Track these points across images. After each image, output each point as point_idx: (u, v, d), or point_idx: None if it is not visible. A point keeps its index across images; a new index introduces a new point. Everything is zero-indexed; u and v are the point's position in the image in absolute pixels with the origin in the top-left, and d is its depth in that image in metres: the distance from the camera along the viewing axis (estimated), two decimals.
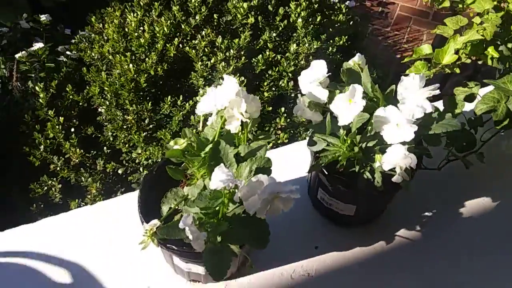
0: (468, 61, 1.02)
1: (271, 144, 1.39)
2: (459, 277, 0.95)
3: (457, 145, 1.02)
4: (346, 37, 1.62)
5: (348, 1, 2.59)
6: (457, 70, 1.03)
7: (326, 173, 0.87)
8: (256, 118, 0.79)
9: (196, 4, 1.50)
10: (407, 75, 0.81)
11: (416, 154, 0.79)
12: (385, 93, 0.81)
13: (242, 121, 0.75)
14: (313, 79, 0.83)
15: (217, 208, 0.71)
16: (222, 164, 0.65)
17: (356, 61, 0.89)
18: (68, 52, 1.88)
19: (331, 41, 1.59)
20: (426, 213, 1.04)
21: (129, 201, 1.01)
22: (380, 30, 3.07)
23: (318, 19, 1.59)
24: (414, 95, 0.75)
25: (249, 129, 0.78)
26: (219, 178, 0.63)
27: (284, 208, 0.66)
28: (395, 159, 0.76)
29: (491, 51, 0.99)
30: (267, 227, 0.72)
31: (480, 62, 1.03)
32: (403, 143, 0.76)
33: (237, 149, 0.75)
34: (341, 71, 0.89)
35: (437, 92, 0.76)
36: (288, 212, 0.97)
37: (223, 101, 0.72)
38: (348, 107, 0.78)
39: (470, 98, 1.02)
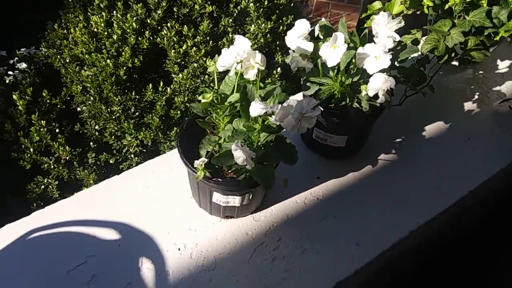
0: (409, 12, 1.26)
1: None
2: (430, 181, 1.18)
3: (412, 81, 1.26)
4: (292, 16, 1.83)
5: None
6: (402, 21, 1.27)
7: (322, 109, 1.06)
8: (264, 69, 0.97)
9: (156, 1, 1.63)
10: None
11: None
12: (361, 37, 1.02)
13: (258, 70, 0.92)
14: (299, 34, 1.02)
15: (251, 140, 0.87)
16: (257, 99, 0.82)
17: (323, 21, 1.09)
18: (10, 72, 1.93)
19: (280, 21, 1.80)
20: (398, 140, 1.27)
21: (153, 165, 1.14)
22: (304, 18, 3.34)
23: (265, 3, 1.78)
24: (384, 28, 0.96)
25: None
26: (259, 107, 0.80)
27: (309, 125, 0.84)
28: (378, 84, 0.96)
29: (426, 1, 1.24)
30: (293, 147, 0.89)
31: (418, 13, 1.28)
32: (382, 71, 0.96)
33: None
34: (318, 28, 1.08)
35: (402, 24, 0.98)
36: None
37: (242, 53, 0.89)
38: (333, 51, 0.98)
39: (415, 42, 1.26)
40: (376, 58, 0.96)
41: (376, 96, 1.00)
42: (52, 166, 1.51)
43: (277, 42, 1.71)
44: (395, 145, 1.25)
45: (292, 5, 1.96)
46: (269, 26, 1.69)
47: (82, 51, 1.56)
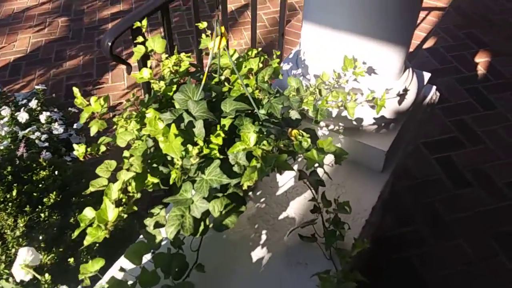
0: (139, 195, 1.03)
1: None
2: None
3: (172, 273, 1.02)
4: None
5: None
6: (135, 208, 1.04)
7: None
8: None
9: None
10: None
11: None
12: None
13: None
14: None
15: None
16: None
17: None
18: None
19: None
20: None
21: None
22: None
23: None
24: None
25: None
26: None
27: None
28: None
29: (150, 178, 1.02)
30: None
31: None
32: None
33: None
34: None
35: None
36: None
37: None
38: None
39: (158, 225, 1.04)
40: None
41: None
42: None
43: None
44: None
45: None
46: None
47: None
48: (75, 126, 2.98)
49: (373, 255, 1.94)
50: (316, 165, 1.00)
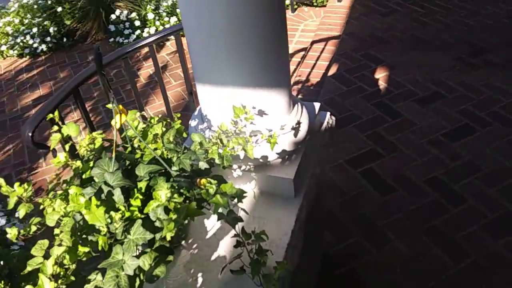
0: (74, 266, 1.13)
1: None
2: None
3: None
4: None
5: None
6: (73, 278, 1.14)
7: None
8: None
9: None
10: None
11: None
12: None
13: None
14: None
15: None
16: None
17: None
18: None
19: None
20: None
21: None
22: None
23: None
24: None
25: None
26: None
27: None
28: None
29: (81, 248, 1.13)
30: None
31: None
32: None
33: None
34: None
35: None
36: None
37: None
38: None
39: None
40: None
41: None
42: None
43: None
44: None
45: None
46: None
47: None
48: (16, 215, 2.99)
49: (320, 274, 2.09)
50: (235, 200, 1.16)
